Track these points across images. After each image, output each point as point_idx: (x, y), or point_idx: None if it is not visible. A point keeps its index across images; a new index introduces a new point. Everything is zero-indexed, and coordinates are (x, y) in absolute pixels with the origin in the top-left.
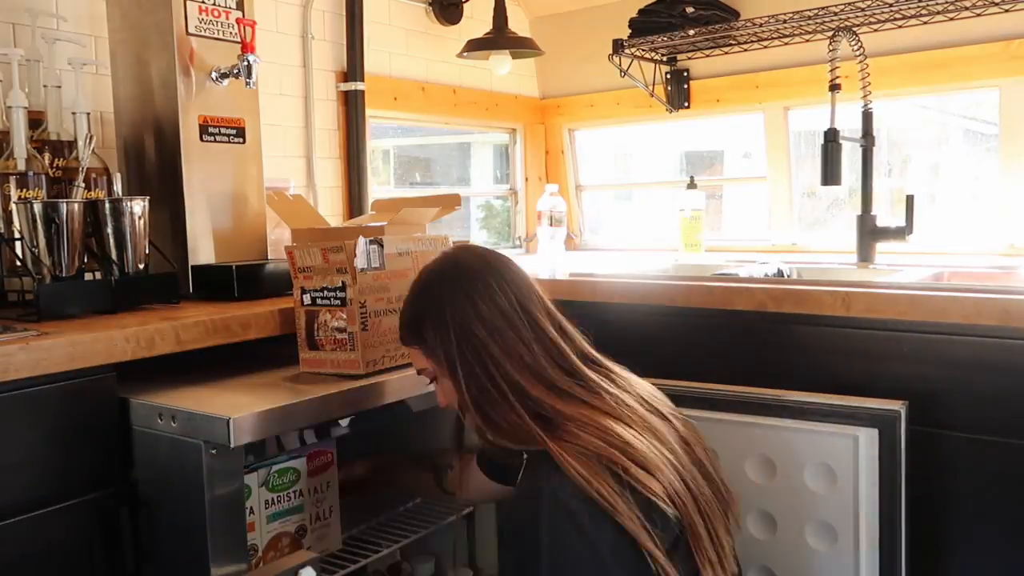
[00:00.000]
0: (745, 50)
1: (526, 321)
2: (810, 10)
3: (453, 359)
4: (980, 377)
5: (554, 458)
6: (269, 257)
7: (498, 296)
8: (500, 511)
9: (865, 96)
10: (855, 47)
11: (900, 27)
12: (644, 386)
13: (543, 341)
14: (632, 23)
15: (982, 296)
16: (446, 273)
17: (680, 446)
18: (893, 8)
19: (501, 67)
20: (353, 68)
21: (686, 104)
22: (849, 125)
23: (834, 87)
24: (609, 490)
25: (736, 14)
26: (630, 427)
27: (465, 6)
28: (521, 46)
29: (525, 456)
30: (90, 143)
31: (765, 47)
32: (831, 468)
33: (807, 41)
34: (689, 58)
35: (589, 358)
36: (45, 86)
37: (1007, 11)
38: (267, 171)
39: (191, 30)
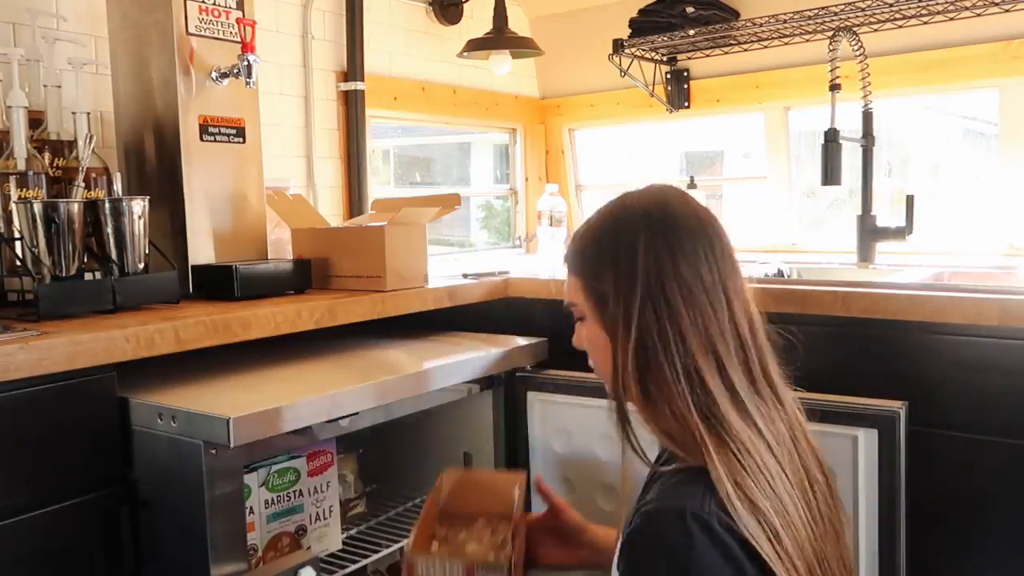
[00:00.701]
0: (745, 50)
1: (725, 305)
2: (810, 10)
3: (631, 312)
4: (980, 377)
5: (714, 481)
6: (269, 257)
7: (703, 265)
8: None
9: (865, 96)
10: (855, 47)
11: (900, 27)
12: (805, 431)
13: (737, 335)
14: (632, 23)
15: (982, 296)
16: (652, 215)
17: (818, 513)
18: (893, 8)
19: (501, 67)
20: (353, 68)
21: (686, 104)
22: (849, 125)
23: (834, 87)
24: (768, 547)
25: (736, 14)
26: (787, 478)
27: (465, 6)
28: (521, 46)
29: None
30: (90, 143)
31: (765, 47)
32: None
33: (807, 41)
34: (689, 58)
35: (769, 376)
36: (45, 86)
37: (1007, 11)
38: (267, 171)
39: (191, 30)
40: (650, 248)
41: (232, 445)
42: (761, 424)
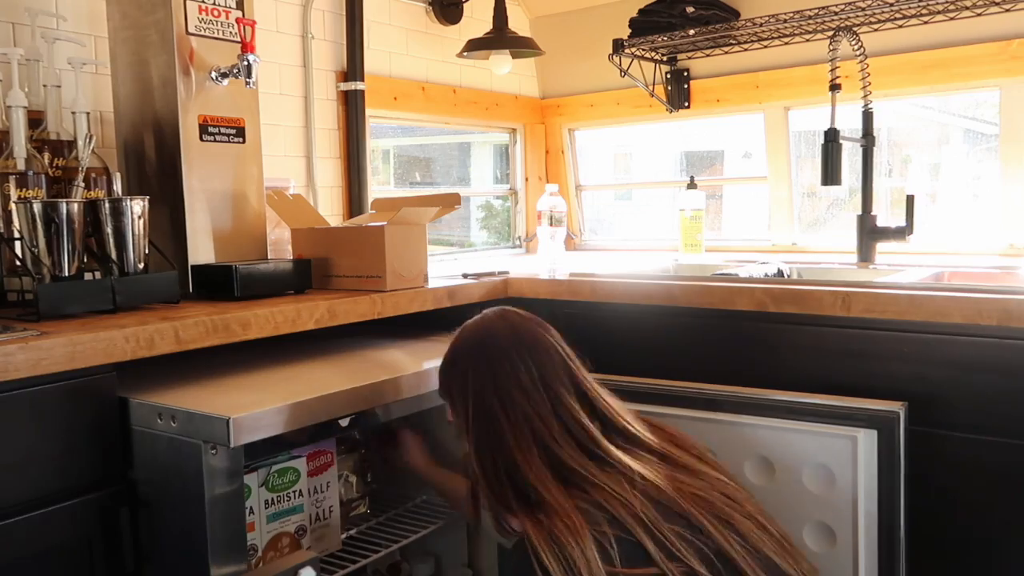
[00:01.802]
0: (745, 50)
1: (547, 397)
2: (810, 10)
3: (468, 424)
4: (980, 377)
5: (528, 542)
6: (269, 257)
7: (520, 371)
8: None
9: (865, 96)
10: (855, 47)
11: (900, 27)
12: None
13: (562, 417)
14: (632, 23)
15: (982, 296)
16: (477, 340)
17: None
18: (893, 8)
19: (501, 67)
20: (353, 68)
21: (686, 104)
22: (849, 125)
23: (834, 87)
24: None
25: (736, 14)
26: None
27: (465, 6)
28: (521, 46)
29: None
30: (90, 143)
31: (765, 47)
32: (830, 469)
33: (807, 41)
34: (689, 58)
35: (620, 432)
36: (45, 86)
37: (1007, 11)
38: (267, 171)
39: (191, 30)
40: (474, 368)
41: (232, 445)
42: (598, 477)
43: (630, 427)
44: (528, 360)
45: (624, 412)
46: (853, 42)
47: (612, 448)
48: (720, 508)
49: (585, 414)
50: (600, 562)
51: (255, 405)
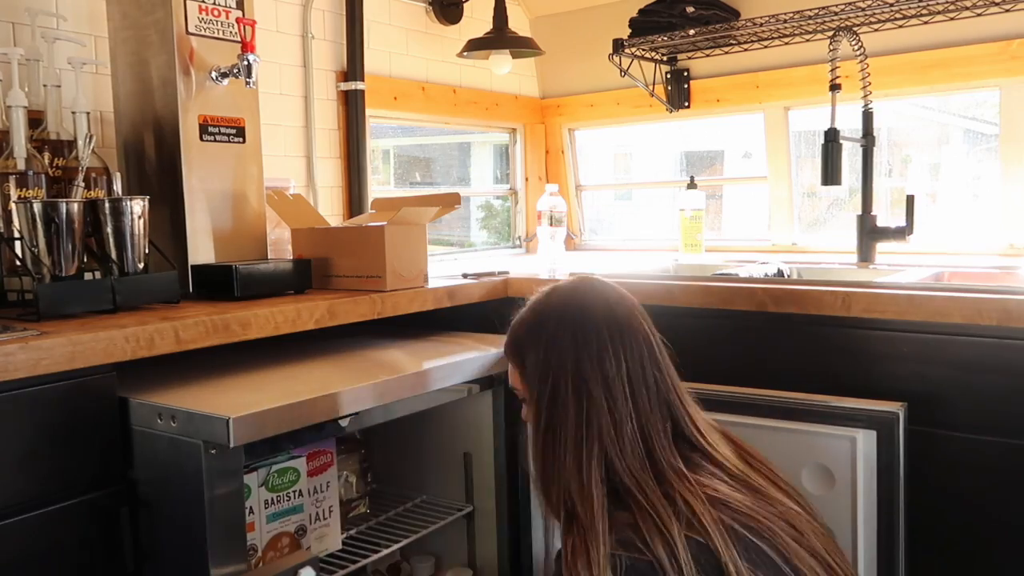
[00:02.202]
0: (745, 50)
1: (628, 396)
2: (810, 10)
3: (535, 400)
4: (980, 377)
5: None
6: (269, 257)
7: (607, 361)
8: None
9: (865, 96)
10: (855, 47)
11: (900, 27)
12: (772, 478)
13: (638, 423)
14: (632, 23)
15: (982, 296)
16: (569, 309)
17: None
18: (893, 8)
19: (501, 67)
20: (353, 68)
21: (686, 104)
22: (849, 125)
23: (834, 87)
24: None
25: (736, 14)
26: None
27: (465, 6)
28: (521, 46)
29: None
30: (90, 142)
31: (765, 47)
32: (829, 470)
33: (807, 41)
34: (689, 58)
35: (698, 449)
36: (45, 85)
37: (1007, 11)
38: (267, 171)
39: (191, 29)
40: (557, 342)
41: (232, 445)
42: (650, 498)
43: (710, 446)
44: (618, 348)
45: (705, 426)
46: (853, 42)
47: (682, 467)
48: (783, 540)
49: (662, 422)
50: None
51: (255, 405)
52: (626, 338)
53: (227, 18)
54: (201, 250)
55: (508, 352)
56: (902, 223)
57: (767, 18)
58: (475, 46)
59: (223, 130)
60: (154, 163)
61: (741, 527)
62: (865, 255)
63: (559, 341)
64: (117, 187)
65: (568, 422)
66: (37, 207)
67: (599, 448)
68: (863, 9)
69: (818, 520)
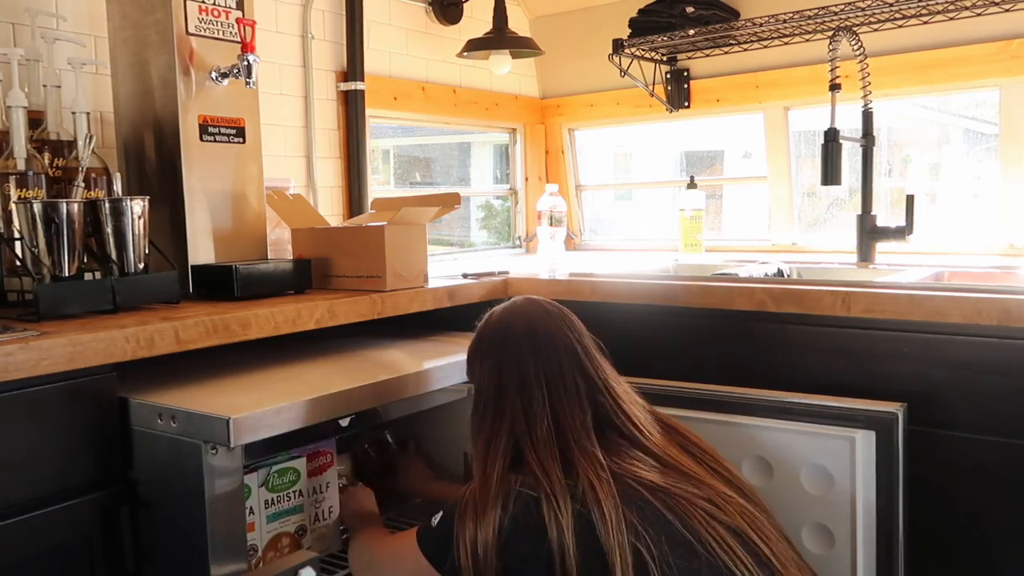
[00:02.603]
0: (745, 50)
1: (545, 395)
2: (810, 10)
3: (475, 398)
4: (980, 377)
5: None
6: (269, 257)
7: (527, 367)
8: None
9: (865, 96)
10: (855, 47)
11: (900, 27)
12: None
13: (553, 416)
14: (632, 23)
15: (982, 296)
16: (495, 329)
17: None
18: (893, 8)
19: (501, 67)
20: (353, 68)
21: (686, 104)
22: (849, 125)
23: (834, 87)
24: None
25: (736, 14)
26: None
27: (465, 6)
28: (521, 46)
29: None
30: (90, 143)
31: (765, 47)
32: (828, 470)
33: (807, 41)
34: (689, 58)
35: (621, 432)
36: (45, 86)
37: (1007, 11)
38: (267, 171)
39: (191, 30)
40: (489, 358)
41: (232, 445)
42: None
43: (641, 436)
44: (537, 356)
45: (640, 418)
46: (853, 42)
47: (597, 452)
48: (697, 515)
49: (582, 415)
50: (495, 537)
51: (255, 405)
52: (543, 348)
53: (227, 18)
54: (201, 250)
55: (467, 373)
56: (902, 223)
57: (767, 18)
58: (475, 46)
59: (223, 130)
60: (154, 163)
61: (644, 502)
62: (865, 255)
63: (489, 353)
64: (117, 187)
65: (487, 416)
66: (37, 207)
67: (508, 438)
68: (863, 9)
69: (757, 507)
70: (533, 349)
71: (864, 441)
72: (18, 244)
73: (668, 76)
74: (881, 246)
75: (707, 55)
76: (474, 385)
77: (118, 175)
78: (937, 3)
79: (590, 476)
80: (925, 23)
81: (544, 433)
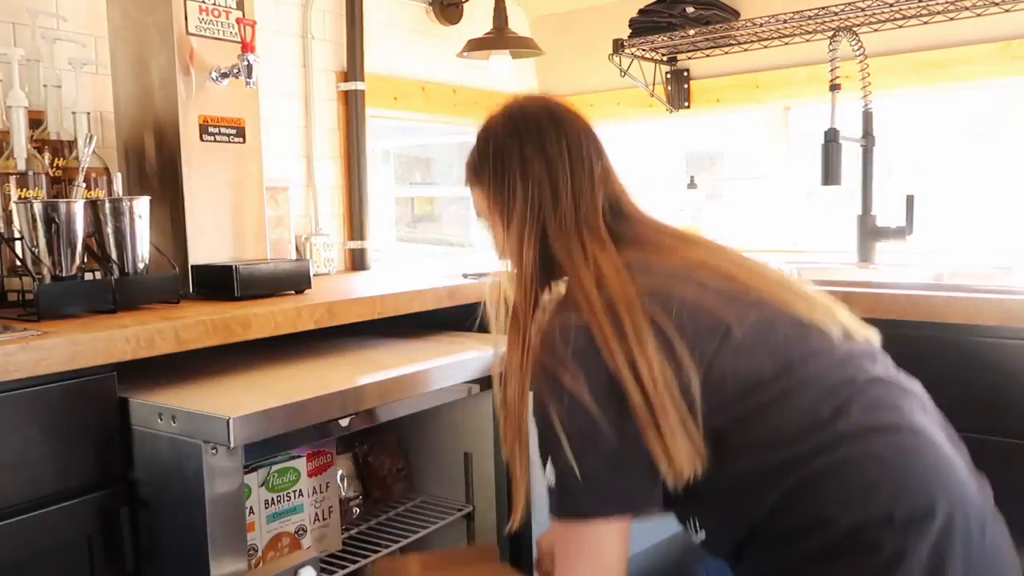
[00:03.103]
0: (745, 50)
1: (568, 172)
2: (810, 10)
3: (497, 196)
4: (980, 377)
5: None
6: (269, 257)
7: (549, 144)
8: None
9: (865, 96)
10: (855, 47)
11: (900, 27)
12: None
13: (573, 197)
14: (632, 23)
15: (982, 296)
16: (510, 118)
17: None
18: (893, 8)
19: (501, 67)
20: (353, 68)
21: (686, 104)
22: (849, 125)
23: (834, 87)
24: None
25: (736, 14)
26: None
27: (465, 6)
28: (521, 46)
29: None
30: (90, 143)
31: (765, 47)
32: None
33: (807, 41)
34: (689, 58)
35: (631, 216)
36: (45, 86)
37: (1007, 11)
38: (267, 171)
39: (191, 30)
40: (504, 144)
41: (232, 445)
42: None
43: (648, 218)
44: (559, 134)
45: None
46: (853, 42)
47: (605, 235)
48: (726, 268)
49: (598, 197)
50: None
51: (255, 405)
52: (564, 126)
53: (227, 18)
54: (201, 250)
55: (468, 178)
56: (902, 223)
57: (767, 18)
58: (475, 46)
59: (223, 130)
60: (154, 163)
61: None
62: (865, 255)
63: (505, 140)
64: (117, 187)
65: (516, 202)
66: (37, 207)
67: (539, 223)
68: (863, 9)
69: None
70: (554, 127)
71: None
72: (18, 244)
73: (668, 76)
74: (881, 246)
75: (707, 55)
76: (487, 186)
77: (118, 175)
78: (937, 3)
79: (601, 263)
80: (925, 23)
81: (567, 213)
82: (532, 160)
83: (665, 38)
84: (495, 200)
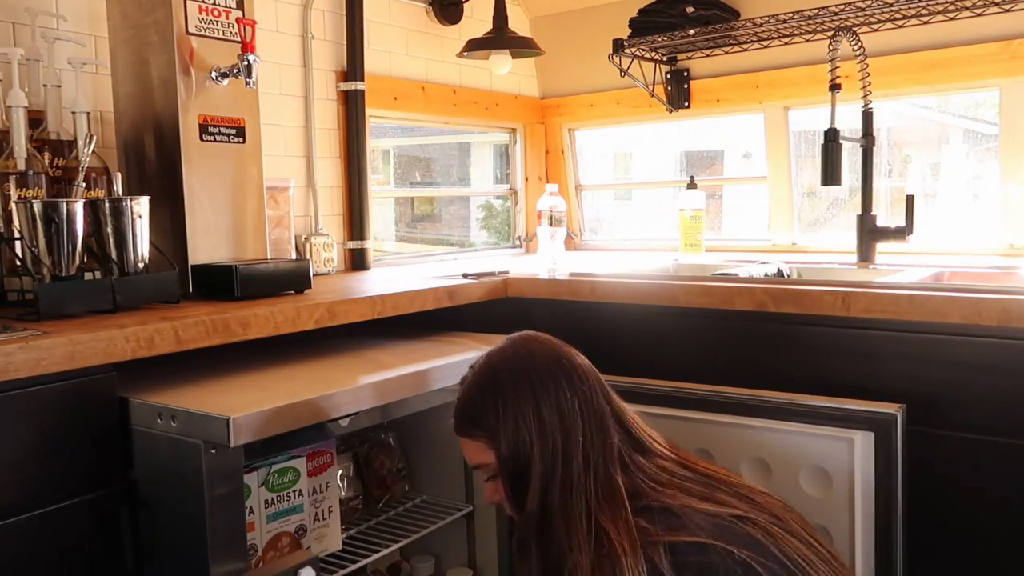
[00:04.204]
0: (745, 50)
1: (594, 423)
2: (810, 10)
3: (527, 457)
4: (980, 377)
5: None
6: (269, 257)
7: (563, 398)
8: None
9: (865, 96)
10: (855, 47)
11: (900, 27)
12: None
13: (608, 445)
14: (632, 23)
15: (982, 296)
16: (516, 367)
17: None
18: (893, 8)
19: (501, 67)
20: (353, 68)
21: (686, 104)
22: (849, 125)
23: (834, 87)
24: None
25: (736, 14)
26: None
27: (465, 6)
28: (521, 46)
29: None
30: (90, 142)
31: (765, 47)
32: (827, 471)
33: (807, 41)
34: (689, 58)
35: (645, 447)
36: (45, 85)
37: (1007, 11)
38: (267, 171)
39: (191, 29)
40: (513, 398)
41: (232, 445)
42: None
43: (661, 446)
44: (571, 383)
45: (657, 437)
46: (853, 42)
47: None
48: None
49: (621, 440)
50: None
51: (255, 405)
52: (576, 374)
53: (227, 18)
54: (201, 250)
55: (464, 427)
56: (902, 223)
57: (767, 18)
58: (475, 46)
59: (223, 130)
60: (154, 163)
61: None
62: (865, 255)
63: (520, 399)
64: (117, 187)
65: (532, 464)
66: (37, 207)
67: (553, 482)
68: (863, 9)
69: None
70: (564, 377)
71: (863, 442)
72: (18, 244)
73: (668, 76)
74: (881, 246)
75: (707, 55)
76: (486, 438)
77: (118, 175)
78: (937, 3)
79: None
80: (925, 23)
81: (587, 472)
82: (547, 419)
83: (665, 38)
84: (505, 459)
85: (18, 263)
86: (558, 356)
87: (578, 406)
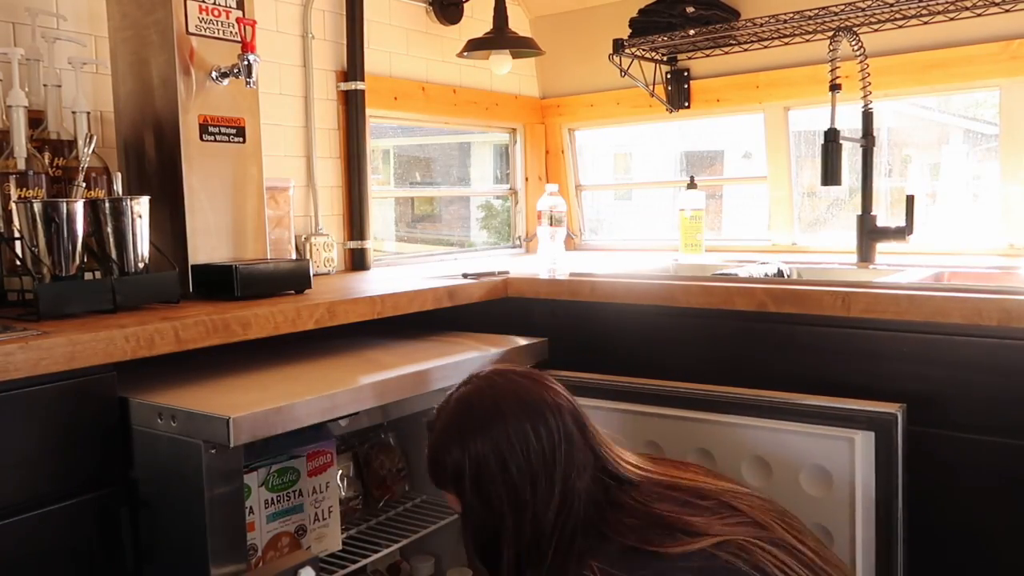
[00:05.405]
0: (745, 50)
1: (569, 468)
2: (810, 10)
3: (494, 529)
4: (980, 377)
5: None
6: (269, 257)
7: (530, 443)
8: None
9: (865, 96)
10: (855, 47)
11: (900, 27)
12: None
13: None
14: (632, 23)
15: (982, 296)
16: (484, 418)
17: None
18: (893, 8)
19: (501, 67)
20: (353, 68)
21: (686, 104)
22: (849, 125)
23: (834, 87)
24: None
25: (736, 14)
26: None
27: (465, 6)
28: (521, 46)
29: None
30: (90, 142)
31: (765, 47)
32: (827, 471)
33: (807, 41)
34: (689, 58)
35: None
36: (45, 85)
37: (1007, 11)
38: (267, 171)
39: (191, 29)
40: (474, 445)
41: (232, 445)
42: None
43: (626, 467)
44: (536, 435)
45: (628, 456)
46: (853, 42)
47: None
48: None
49: (594, 479)
50: None
51: (255, 405)
52: (546, 416)
53: (227, 18)
54: (201, 250)
55: (436, 481)
56: (902, 223)
57: (767, 18)
58: (475, 46)
59: (223, 130)
60: (154, 163)
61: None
62: (865, 255)
63: (488, 458)
64: (117, 187)
65: (504, 522)
66: (37, 207)
67: (524, 537)
68: (863, 9)
69: (770, 502)
70: (527, 421)
71: (863, 442)
72: (18, 244)
73: (668, 76)
74: (881, 246)
75: (707, 55)
76: (454, 488)
77: (118, 175)
78: (937, 3)
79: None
80: (925, 23)
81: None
82: (516, 481)
83: (665, 38)
84: (477, 517)
85: (18, 263)
86: (525, 403)
87: (547, 456)
